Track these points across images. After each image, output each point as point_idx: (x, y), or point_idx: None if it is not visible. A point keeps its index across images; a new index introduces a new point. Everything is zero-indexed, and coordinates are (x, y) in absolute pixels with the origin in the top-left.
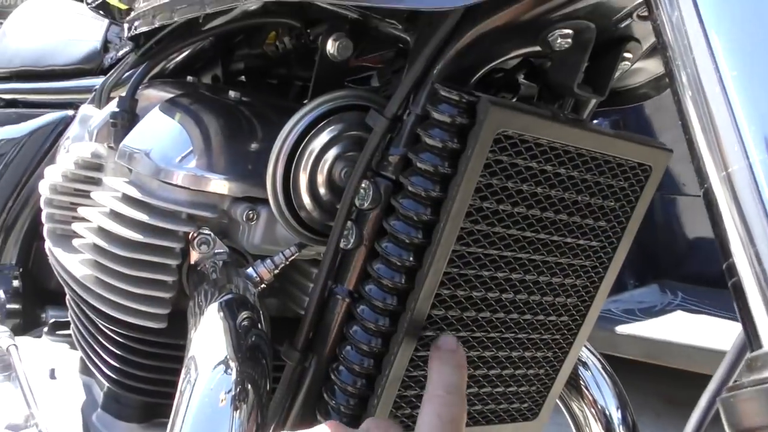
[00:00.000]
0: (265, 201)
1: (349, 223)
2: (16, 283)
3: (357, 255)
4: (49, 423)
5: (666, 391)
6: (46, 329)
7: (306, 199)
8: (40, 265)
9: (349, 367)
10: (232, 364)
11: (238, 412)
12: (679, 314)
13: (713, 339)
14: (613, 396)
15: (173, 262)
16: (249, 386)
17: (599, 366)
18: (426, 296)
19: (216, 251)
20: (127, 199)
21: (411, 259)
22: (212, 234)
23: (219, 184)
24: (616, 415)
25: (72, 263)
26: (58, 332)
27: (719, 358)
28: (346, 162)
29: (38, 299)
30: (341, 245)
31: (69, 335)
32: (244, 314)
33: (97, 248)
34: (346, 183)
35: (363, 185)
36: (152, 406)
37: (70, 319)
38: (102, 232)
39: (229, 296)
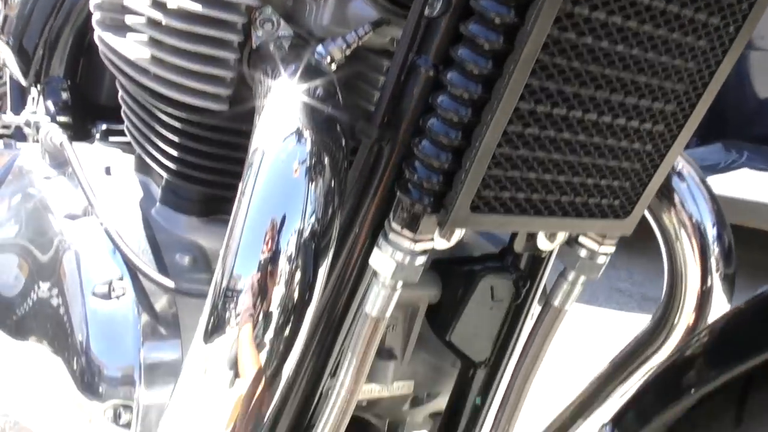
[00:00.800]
0: None
1: None
2: (64, 95)
3: (443, 22)
4: (108, 214)
5: None
6: (98, 136)
7: None
8: (87, 80)
9: (434, 140)
10: (307, 133)
11: (313, 184)
12: (744, 172)
13: None
14: (710, 211)
15: (235, 38)
16: (326, 158)
17: (696, 178)
18: (527, 59)
19: (280, 33)
20: None
21: (513, 15)
22: (277, 14)
23: None
24: (711, 233)
25: (126, 46)
26: (110, 139)
27: None
28: None
29: (88, 113)
30: (425, 13)
31: (121, 143)
32: (318, 81)
33: (153, 23)
34: None
35: None
36: (212, 199)
37: (123, 115)
38: (158, 5)
39: (301, 66)
